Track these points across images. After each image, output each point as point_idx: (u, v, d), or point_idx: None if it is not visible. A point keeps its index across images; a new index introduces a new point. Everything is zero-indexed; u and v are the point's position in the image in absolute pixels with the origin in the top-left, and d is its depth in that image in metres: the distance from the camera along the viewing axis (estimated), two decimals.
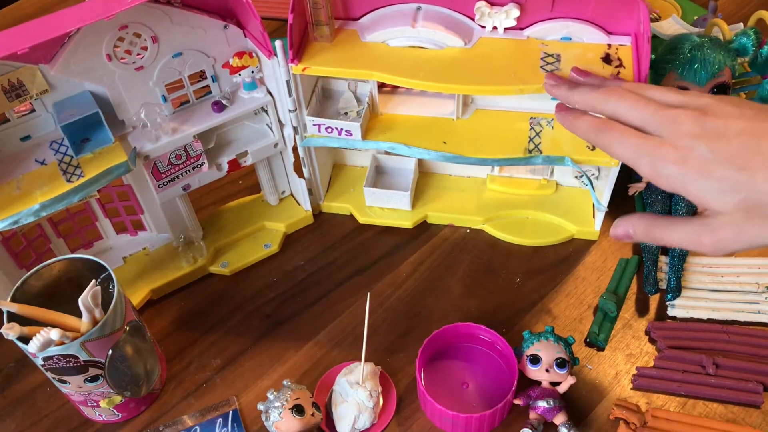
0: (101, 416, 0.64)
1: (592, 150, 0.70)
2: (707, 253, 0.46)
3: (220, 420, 0.65)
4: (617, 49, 0.66)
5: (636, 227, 0.49)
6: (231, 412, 0.65)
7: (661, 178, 0.46)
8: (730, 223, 0.44)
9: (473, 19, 0.68)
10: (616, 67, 0.64)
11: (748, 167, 0.43)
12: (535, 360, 0.63)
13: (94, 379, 0.59)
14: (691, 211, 0.74)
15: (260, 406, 0.61)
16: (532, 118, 0.73)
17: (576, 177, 0.79)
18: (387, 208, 0.80)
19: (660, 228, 0.48)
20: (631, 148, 0.47)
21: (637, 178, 0.77)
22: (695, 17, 0.96)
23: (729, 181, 0.44)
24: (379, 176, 0.82)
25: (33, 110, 0.62)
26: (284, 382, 0.62)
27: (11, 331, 0.53)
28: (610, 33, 0.67)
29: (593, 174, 0.77)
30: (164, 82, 0.65)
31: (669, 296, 0.71)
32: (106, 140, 0.64)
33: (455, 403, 0.63)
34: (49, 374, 0.59)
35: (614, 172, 0.70)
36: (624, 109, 0.48)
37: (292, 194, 0.82)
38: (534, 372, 0.63)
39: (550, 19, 0.67)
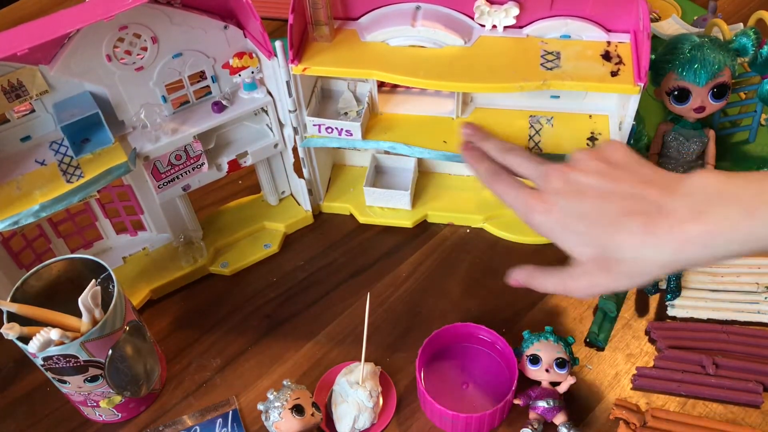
0: (101, 416, 0.64)
1: (592, 147, 0.70)
2: (574, 297, 0.55)
3: (220, 420, 0.65)
4: (616, 46, 0.66)
5: (521, 276, 0.57)
6: (231, 412, 0.65)
7: (532, 224, 0.53)
8: (585, 273, 0.51)
9: (473, 18, 0.68)
10: (616, 64, 0.64)
11: (598, 225, 0.49)
12: (535, 360, 0.63)
13: (93, 379, 0.59)
14: None
15: (260, 406, 0.61)
16: (531, 116, 0.73)
17: None
18: (387, 207, 0.80)
19: (537, 277, 0.56)
20: (511, 197, 0.54)
21: None
22: (695, 17, 0.96)
23: (583, 236, 0.50)
24: (379, 176, 0.82)
25: (33, 111, 0.62)
26: (284, 382, 0.62)
27: (11, 331, 0.53)
28: (609, 30, 0.67)
29: None
30: (164, 83, 0.65)
31: (669, 296, 0.71)
32: (106, 141, 0.64)
33: (455, 403, 0.63)
34: (48, 374, 0.59)
35: None
36: (517, 163, 0.56)
37: (292, 194, 0.82)
38: (534, 372, 0.63)
39: (549, 17, 0.67)
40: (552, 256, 0.76)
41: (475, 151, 0.59)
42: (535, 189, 0.54)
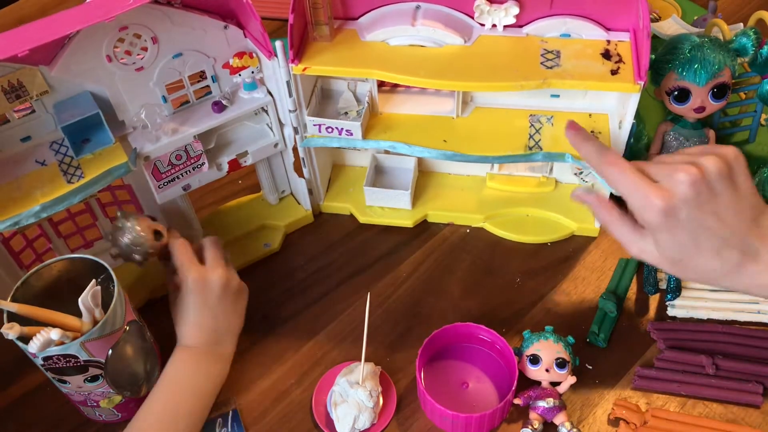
0: (101, 416, 0.65)
1: None
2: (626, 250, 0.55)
3: (219, 420, 0.65)
4: (616, 45, 0.66)
5: (595, 205, 0.56)
6: (231, 412, 0.66)
7: (643, 219, 0.52)
8: (658, 259, 0.53)
9: (472, 17, 0.68)
10: (616, 62, 0.64)
11: (703, 246, 0.51)
12: (535, 360, 0.63)
13: (94, 378, 0.59)
14: None
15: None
16: (531, 115, 0.73)
17: (575, 173, 0.79)
18: (387, 207, 0.80)
19: (612, 218, 0.55)
20: (628, 186, 0.52)
21: None
22: (695, 17, 0.96)
23: (681, 246, 0.51)
24: (379, 176, 0.82)
25: (33, 111, 0.62)
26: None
27: (11, 331, 0.53)
28: (609, 29, 0.67)
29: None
30: (164, 83, 0.65)
31: (669, 296, 0.71)
32: (106, 141, 0.64)
33: (455, 403, 0.63)
34: (49, 374, 0.59)
35: None
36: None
37: (292, 194, 0.82)
38: (534, 372, 0.63)
39: (549, 16, 0.67)
40: (551, 256, 0.76)
41: (581, 130, 0.57)
42: (655, 183, 0.51)
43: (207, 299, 0.64)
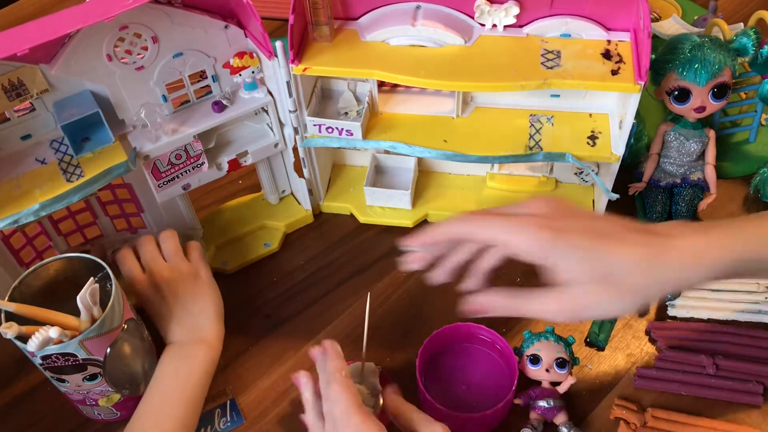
0: (100, 415, 0.64)
1: (593, 146, 0.70)
2: (563, 321, 0.50)
3: (218, 410, 0.65)
4: (617, 45, 0.66)
5: (495, 302, 0.50)
6: (228, 402, 0.66)
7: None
8: (586, 292, 0.47)
9: (473, 17, 0.68)
10: (616, 62, 0.64)
11: (599, 238, 0.47)
12: (535, 360, 0.63)
13: (92, 377, 0.59)
14: (692, 209, 0.74)
15: None
16: (531, 115, 0.73)
17: (576, 173, 0.79)
18: (387, 207, 0.80)
19: (519, 300, 0.49)
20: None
21: (638, 177, 0.77)
22: (695, 17, 0.96)
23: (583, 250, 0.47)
24: (379, 176, 0.82)
25: (33, 109, 0.62)
26: None
27: (9, 330, 0.53)
28: (609, 29, 0.67)
29: (593, 170, 0.77)
30: (164, 82, 0.65)
31: (669, 296, 0.70)
32: (106, 140, 0.64)
33: (455, 403, 0.63)
34: (47, 373, 0.58)
35: (614, 168, 0.70)
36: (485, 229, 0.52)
37: (292, 193, 0.82)
38: (534, 372, 0.63)
39: (549, 16, 0.67)
40: None
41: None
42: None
43: (174, 294, 0.67)
